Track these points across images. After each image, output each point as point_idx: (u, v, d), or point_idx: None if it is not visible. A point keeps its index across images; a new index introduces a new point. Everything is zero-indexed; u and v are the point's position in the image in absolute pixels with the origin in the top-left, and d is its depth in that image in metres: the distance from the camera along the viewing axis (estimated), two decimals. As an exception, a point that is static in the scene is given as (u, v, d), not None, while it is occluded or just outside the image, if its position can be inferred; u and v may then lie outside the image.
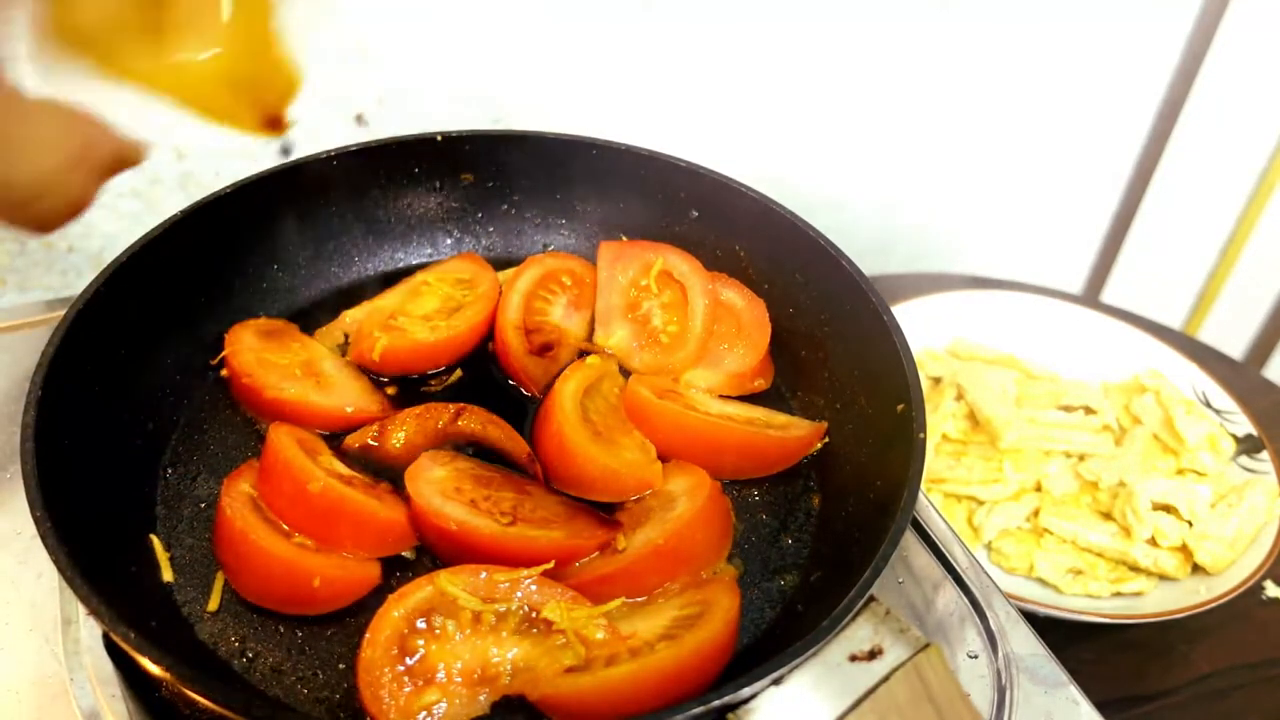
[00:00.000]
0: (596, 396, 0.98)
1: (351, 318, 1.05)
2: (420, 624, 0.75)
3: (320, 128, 1.51)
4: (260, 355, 0.96)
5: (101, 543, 0.76)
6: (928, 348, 1.61)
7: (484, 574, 0.78)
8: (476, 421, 0.92)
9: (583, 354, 1.04)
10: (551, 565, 0.79)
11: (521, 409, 0.99)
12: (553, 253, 1.13)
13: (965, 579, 0.86)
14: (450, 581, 0.76)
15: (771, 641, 0.80)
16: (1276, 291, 2.44)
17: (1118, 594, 1.28)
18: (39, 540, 0.67)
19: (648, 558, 0.81)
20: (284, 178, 1.02)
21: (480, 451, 0.93)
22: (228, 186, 0.98)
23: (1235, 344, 2.53)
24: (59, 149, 0.68)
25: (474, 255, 1.14)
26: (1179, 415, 1.42)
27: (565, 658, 0.74)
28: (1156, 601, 1.27)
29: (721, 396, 1.02)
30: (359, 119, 1.52)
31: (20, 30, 0.68)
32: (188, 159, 1.46)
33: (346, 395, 0.96)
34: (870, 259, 2.07)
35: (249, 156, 1.49)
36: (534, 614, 0.76)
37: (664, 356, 1.03)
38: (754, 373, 1.03)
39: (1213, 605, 1.21)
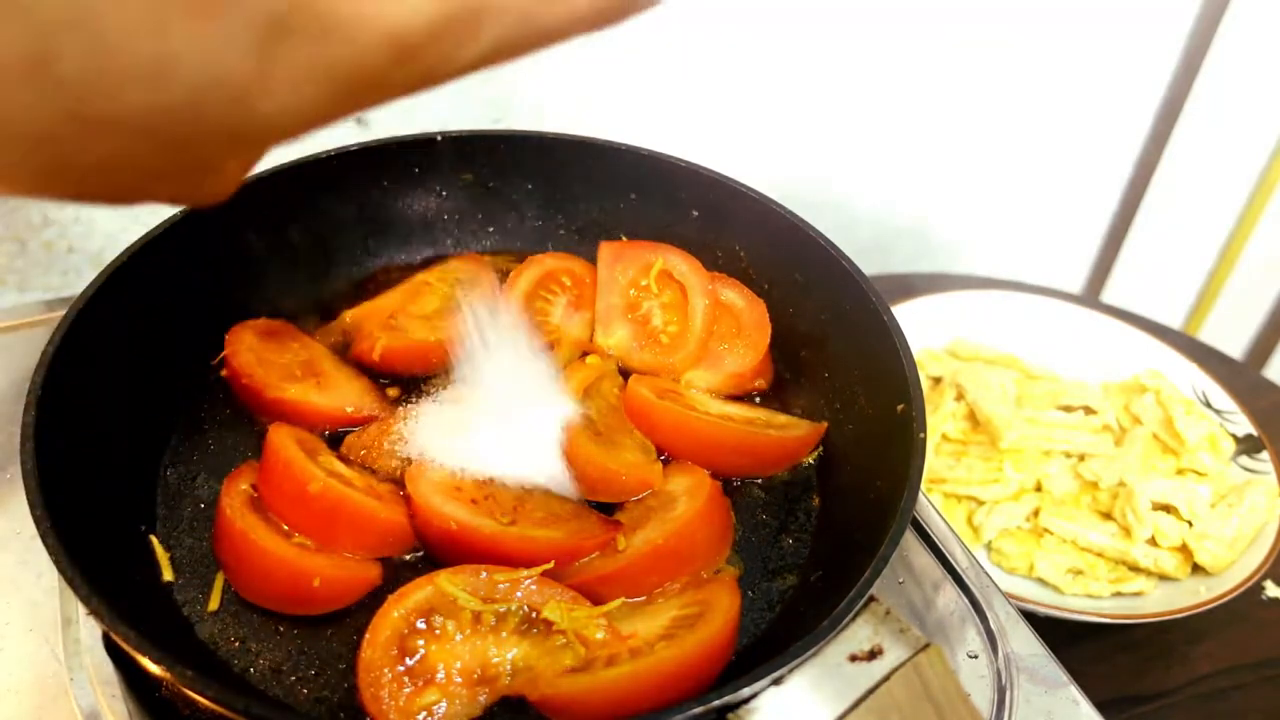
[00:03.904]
0: (596, 396, 0.98)
1: (351, 318, 1.05)
2: (420, 624, 0.75)
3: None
4: (260, 355, 0.96)
5: (101, 543, 0.76)
6: (928, 348, 1.61)
7: (484, 574, 0.78)
8: (476, 421, 0.92)
9: (583, 354, 1.04)
10: (551, 565, 0.79)
11: (521, 409, 0.99)
12: (553, 253, 1.13)
13: (965, 579, 0.86)
14: (450, 581, 0.76)
15: (771, 641, 0.80)
16: (1276, 291, 2.44)
17: (1118, 594, 1.28)
18: (39, 540, 0.67)
19: (648, 558, 0.81)
20: (283, 178, 1.01)
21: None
22: (228, 186, 0.98)
23: (1235, 344, 2.53)
24: None
25: (474, 255, 1.14)
26: (1179, 415, 1.42)
27: (565, 658, 0.74)
28: (1156, 601, 1.27)
29: (721, 396, 1.02)
30: (359, 119, 1.52)
31: None
32: (188, 159, 1.46)
33: (346, 395, 0.96)
34: (870, 259, 2.07)
35: (249, 156, 1.50)
36: (534, 614, 0.76)
37: (664, 356, 1.03)
38: (754, 373, 1.03)
39: (1213, 605, 1.21)
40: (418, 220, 1.14)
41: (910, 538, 0.90)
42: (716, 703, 0.64)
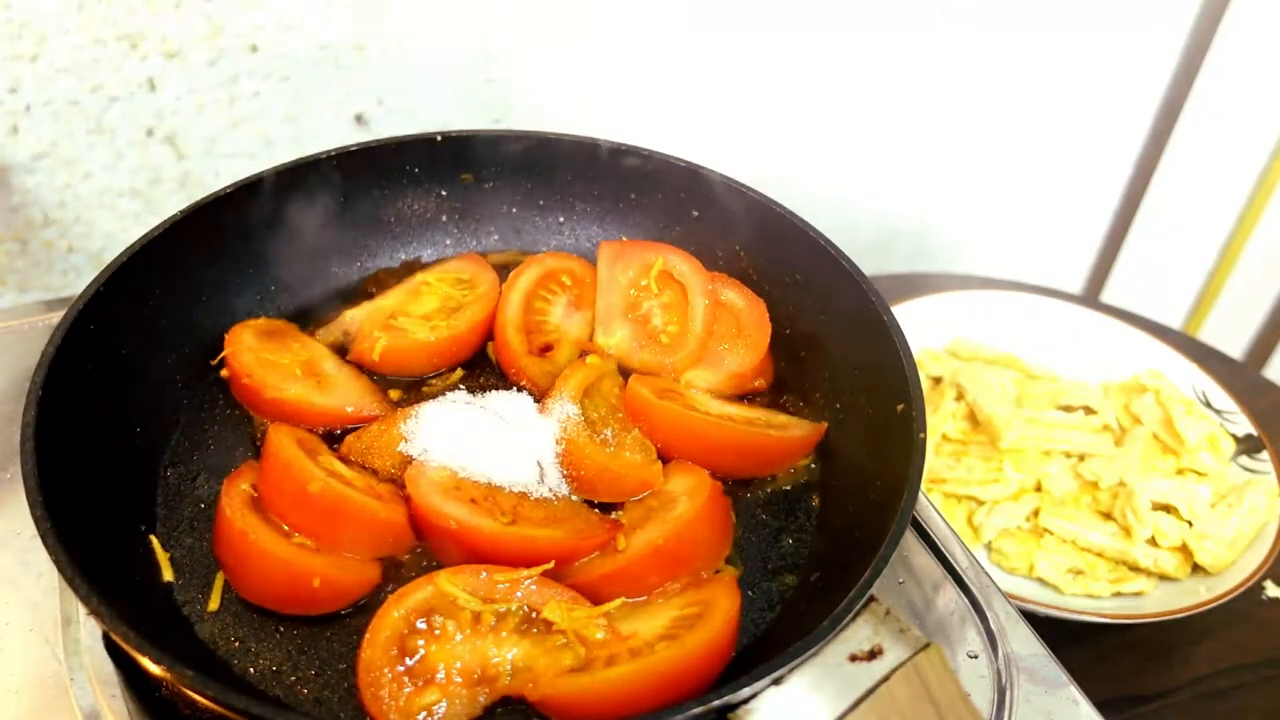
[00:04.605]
0: (596, 396, 0.98)
1: (351, 318, 1.05)
2: (420, 624, 0.75)
3: (320, 128, 1.51)
4: (260, 355, 0.96)
5: (101, 543, 0.76)
6: (928, 348, 1.61)
7: (484, 574, 0.78)
8: (476, 421, 0.92)
9: (583, 354, 1.04)
10: (551, 565, 0.79)
11: (521, 409, 0.99)
12: (553, 253, 1.13)
13: (965, 579, 0.86)
14: (450, 581, 0.76)
15: (771, 641, 0.80)
16: (1276, 291, 2.44)
17: (1118, 594, 1.28)
18: (39, 540, 0.67)
19: (648, 558, 0.81)
20: (284, 178, 1.02)
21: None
22: (228, 186, 0.98)
23: (1235, 344, 2.53)
24: None
25: (474, 255, 1.14)
26: (1179, 415, 1.42)
27: (565, 658, 0.74)
28: (1157, 601, 1.27)
29: (722, 396, 1.02)
30: (359, 119, 1.52)
31: None
32: (188, 159, 1.47)
33: (346, 395, 0.96)
34: (870, 259, 2.08)
35: (249, 156, 1.50)
36: (534, 614, 0.76)
37: (664, 356, 1.03)
38: (754, 373, 1.03)
39: (1213, 605, 1.21)
40: (418, 220, 1.14)
41: (910, 538, 0.90)
42: (716, 703, 0.64)
